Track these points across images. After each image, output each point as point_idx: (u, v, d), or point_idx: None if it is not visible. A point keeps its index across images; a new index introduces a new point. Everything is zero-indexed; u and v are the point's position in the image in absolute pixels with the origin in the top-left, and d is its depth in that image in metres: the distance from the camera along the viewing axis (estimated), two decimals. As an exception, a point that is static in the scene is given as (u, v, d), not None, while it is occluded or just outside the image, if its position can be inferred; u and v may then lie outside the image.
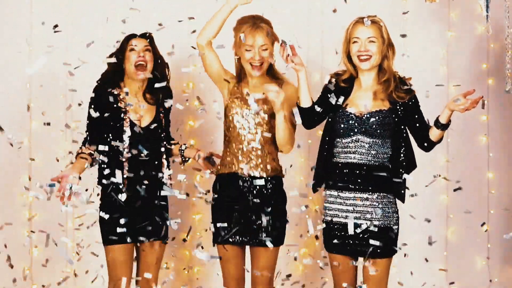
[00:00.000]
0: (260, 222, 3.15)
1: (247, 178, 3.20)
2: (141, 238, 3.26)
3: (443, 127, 3.03)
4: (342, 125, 3.10)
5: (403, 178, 3.07)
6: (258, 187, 3.18)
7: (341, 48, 3.18)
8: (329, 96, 3.11)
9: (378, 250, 3.03)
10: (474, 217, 4.21)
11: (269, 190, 3.20)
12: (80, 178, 3.10)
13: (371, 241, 2.99)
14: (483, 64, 4.24)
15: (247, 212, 3.19)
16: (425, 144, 3.11)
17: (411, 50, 3.83)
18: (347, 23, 4.14)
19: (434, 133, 3.07)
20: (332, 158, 3.15)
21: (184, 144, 3.45)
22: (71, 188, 2.99)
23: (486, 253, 4.25)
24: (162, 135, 3.38)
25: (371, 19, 3.09)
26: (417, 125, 3.10)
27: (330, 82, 3.19)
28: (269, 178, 3.21)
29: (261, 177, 3.18)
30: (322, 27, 4.22)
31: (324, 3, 4.21)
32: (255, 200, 3.16)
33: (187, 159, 3.42)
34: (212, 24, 3.19)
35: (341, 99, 3.11)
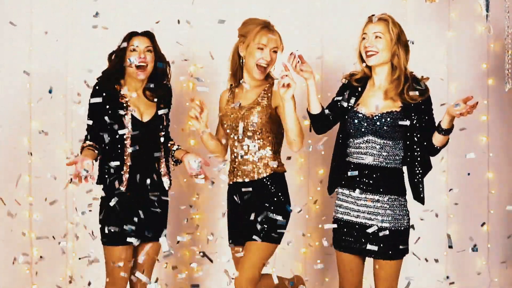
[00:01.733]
0: (250, 220, 3.18)
1: (240, 187, 3.25)
2: (140, 239, 3.28)
3: (445, 132, 2.98)
4: (352, 126, 3.10)
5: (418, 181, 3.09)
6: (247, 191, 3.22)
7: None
8: (340, 101, 3.12)
9: (390, 252, 3.03)
10: (474, 217, 4.22)
11: (260, 191, 3.21)
12: (93, 163, 3.13)
13: (369, 246, 3.02)
14: (483, 64, 4.24)
15: (241, 215, 3.24)
16: (429, 149, 3.07)
17: (411, 50, 3.82)
18: (347, 23, 4.17)
19: (436, 138, 3.02)
20: (346, 158, 3.15)
21: (178, 146, 3.44)
22: (87, 171, 3.03)
23: (486, 253, 4.25)
24: (162, 133, 3.38)
25: (379, 16, 3.10)
26: (425, 128, 3.04)
27: (343, 84, 3.21)
28: (264, 179, 3.22)
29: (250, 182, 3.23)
30: (322, 27, 4.22)
31: (324, 3, 4.22)
32: (246, 199, 3.19)
33: (179, 160, 3.40)
34: (210, 150, 3.36)
35: (352, 100, 3.12)
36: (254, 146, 3.22)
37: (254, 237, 3.11)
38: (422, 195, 3.11)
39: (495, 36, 4.07)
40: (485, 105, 4.22)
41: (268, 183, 3.21)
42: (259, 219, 3.15)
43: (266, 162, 3.23)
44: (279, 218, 3.16)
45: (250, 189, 3.17)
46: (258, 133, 3.21)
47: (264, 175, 3.22)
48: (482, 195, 4.26)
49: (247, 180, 3.23)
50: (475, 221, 4.18)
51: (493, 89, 4.23)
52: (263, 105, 3.22)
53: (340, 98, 3.15)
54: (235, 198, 3.25)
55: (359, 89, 3.16)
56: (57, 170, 3.97)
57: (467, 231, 4.21)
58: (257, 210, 3.17)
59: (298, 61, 3.09)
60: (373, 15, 3.13)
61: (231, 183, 3.31)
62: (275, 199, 3.20)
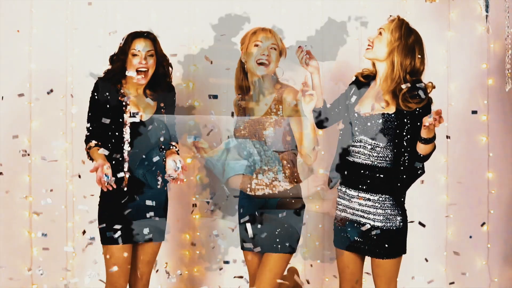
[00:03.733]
0: (266, 230, 3.17)
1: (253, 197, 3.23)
2: (138, 238, 3.29)
3: (425, 141, 2.93)
4: (348, 124, 3.11)
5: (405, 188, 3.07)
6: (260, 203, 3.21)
7: None
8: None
9: (384, 251, 3.03)
10: (474, 217, 4.21)
11: (282, 202, 3.19)
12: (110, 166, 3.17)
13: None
14: (483, 64, 4.24)
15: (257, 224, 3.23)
16: (415, 157, 3.02)
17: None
18: (346, 23, 4.16)
19: (419, 147, 2.98)
20: (346, 155, 3.16)
21: (174, 146, 3.42)
22: (108, 177, 3.09)
23: (486, 253, 4.25)
24: (163, 131, 3.38)
25: (393, 17, 3.12)
26: (415, 136, 3.00)
27: (352, 81, 3.21)
28: (287, 191, 3.21)
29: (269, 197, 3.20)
30: (322, 27, 4.21)
31: (325, 2, 4.21)
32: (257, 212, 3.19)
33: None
34: None
35: (353, 98, 3.12)
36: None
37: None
38: (402, 199, 3.09)
39: (495, 36, 4.07)
40: (485, 105, 4.21)
41: (291, 194, 3.19)
42: (278, 230, 3.15)
43: (285, 174, 3.18)
44: (296, 227, 3.18)
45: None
46: (274, 146, 3.19)
47: (284, 188, 3.19)
48: (482, 195, 4.26)
49: (269, 191, 3.18)
50: (475, 221, 4.18)
51: (493, 89, 4.22)
52: (275, 118, 3.18)
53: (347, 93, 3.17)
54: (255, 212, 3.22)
55: (363, 87, 3.17)
56: (56, 170, 3.97)
57: (467, 231, 4.21)
58: (277, 220, 3.16)
59: (305, 55, 3.12)
60: (391, 15, 3.15)
61: (251, 194, 3.22)
62: (295, 209, 3.20)
